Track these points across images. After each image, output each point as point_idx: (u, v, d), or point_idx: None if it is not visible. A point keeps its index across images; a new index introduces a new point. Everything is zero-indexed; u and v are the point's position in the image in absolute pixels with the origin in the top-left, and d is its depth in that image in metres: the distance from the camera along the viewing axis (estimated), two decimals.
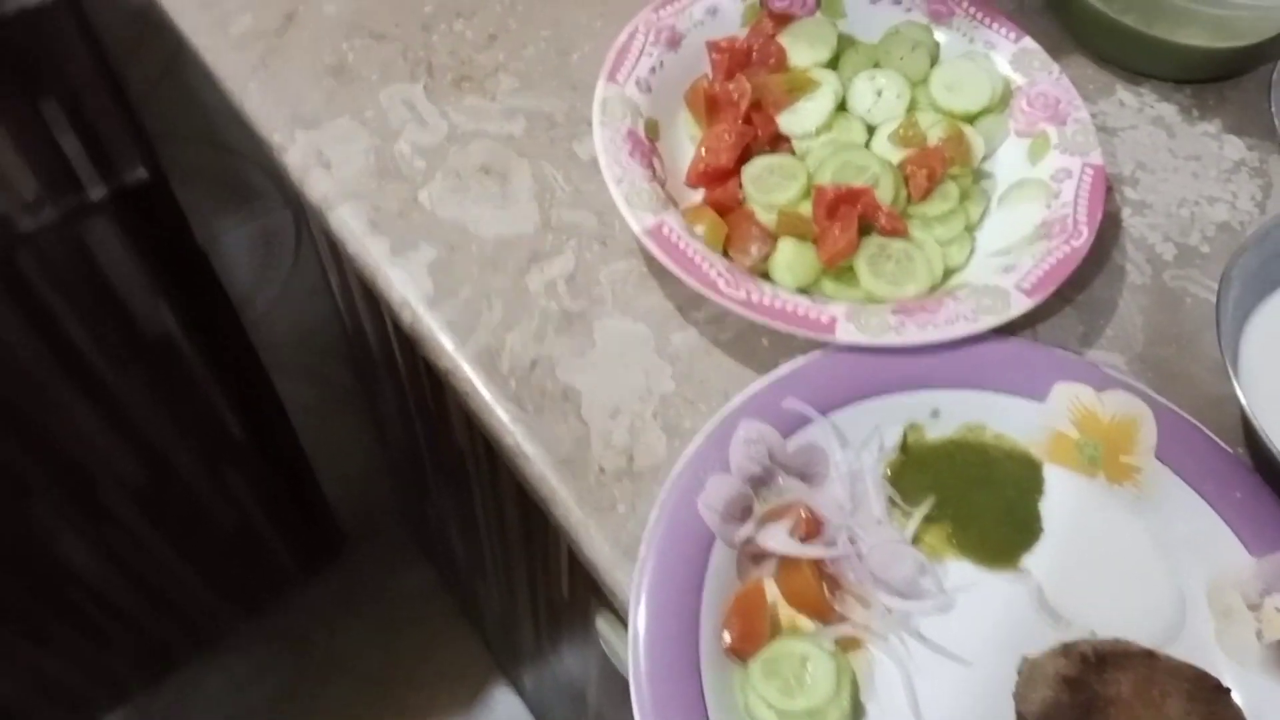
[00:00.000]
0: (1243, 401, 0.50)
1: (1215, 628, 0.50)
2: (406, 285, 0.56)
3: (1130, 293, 0.60)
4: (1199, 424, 0.52)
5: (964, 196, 0.59)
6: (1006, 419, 0.53)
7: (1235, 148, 0.67)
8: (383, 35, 0.66)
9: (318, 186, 0.59)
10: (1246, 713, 0.47)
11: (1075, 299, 0.59)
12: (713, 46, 0.63)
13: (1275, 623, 0.48)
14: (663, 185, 0.57)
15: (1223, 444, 0.52)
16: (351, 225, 0.58)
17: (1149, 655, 0.48)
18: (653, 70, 0.61)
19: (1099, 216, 0.57)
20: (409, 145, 0.61)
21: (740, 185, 0.58)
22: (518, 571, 0.92)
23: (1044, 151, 0.60)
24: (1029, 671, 0.47)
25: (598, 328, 0.56)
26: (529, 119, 0.63)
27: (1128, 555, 0.51)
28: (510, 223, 0.59)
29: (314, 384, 1.13)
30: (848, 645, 0.48)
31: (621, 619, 0.51)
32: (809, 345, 0.54)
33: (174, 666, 1.33)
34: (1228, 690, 0.47)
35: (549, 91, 0.64)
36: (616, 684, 0.74)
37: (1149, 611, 0.51)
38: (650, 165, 0.58)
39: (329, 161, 0.60)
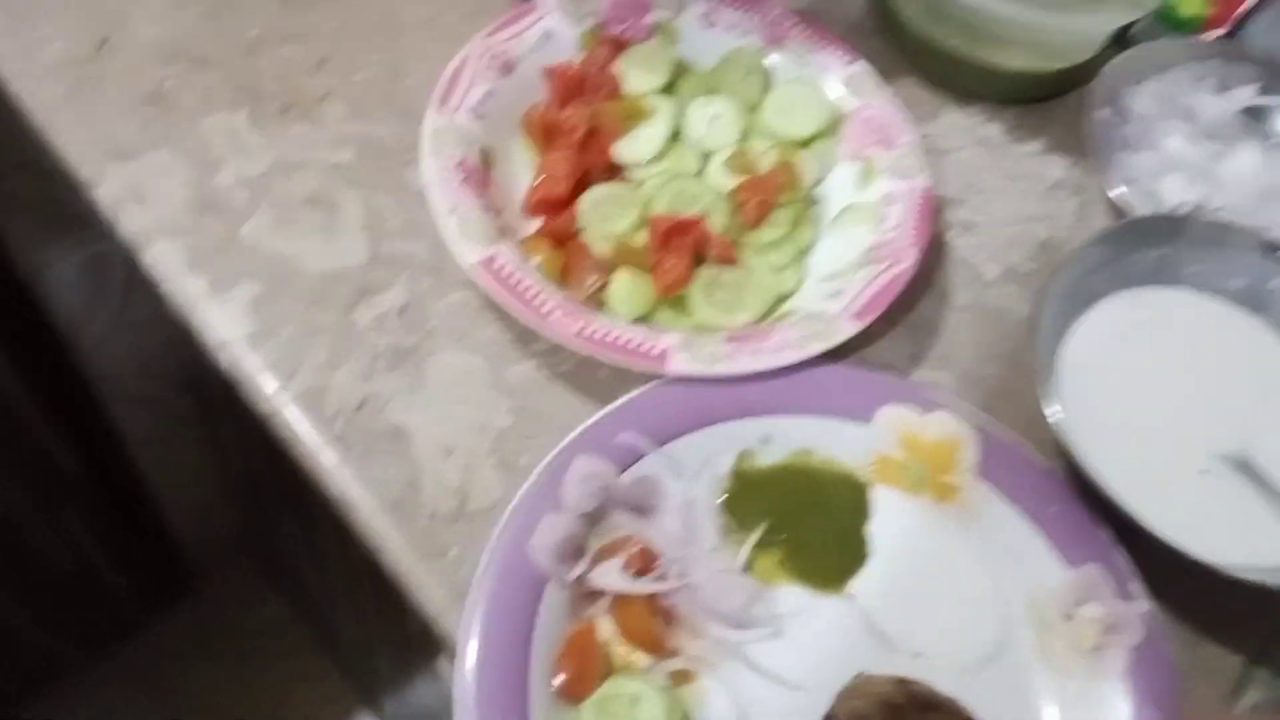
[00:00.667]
0: (1051, 417, 0.52)
1: (1036, 640, 0.52)
2: (225, 324, 0.54)
3: (956, 313, 0.62)
4: (1017, 442, 0.54)
5: (796, 222, 0.60)
6: (834, 443, 0.54)
7: (1056, 167, 0.70)
8: (204, 61, 0.63)
9: (132, 222, 0.57)
10: (1065, 715, 0.49)
11: (904, 320, 0.61)
12: (548, 73, 0.63)
13: (1088, 632, 0.50)
14: (498, 215, 0.56)
15: (1039, 460, 0.54)
16: (167, 262, 0.55)
17: None
18: (486, 97, 0.60)
19: (926, 239, 0.59)
20: (231, 176, 0.59)
21: (576, 215, 0.58)
22: (366, 603, 0.89)
23: (873, 175, 0.62)
24: (860, 684, 0.48)
25: (430, 363, 0.55)
26: (359, 147, 0.61)
27: (953, 573, 0.53)
28: (338, 256, 0.57)
29: (154, 412, 1.08)
30: (681, 678, 0.48)
31: None
32: (647, 375, 0.54)
33: (13, 714, 1.26)
34: None
35: (380, 118, 0.63)
36: None
37: (974, 628, 0.52)
38: (484, 195, 0.57)
39: (144, 195, 0.57)
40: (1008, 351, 0.61)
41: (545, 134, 0.61)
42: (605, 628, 0.49)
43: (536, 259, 0.55)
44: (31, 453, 0.98)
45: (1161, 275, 0.61)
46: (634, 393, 0.52)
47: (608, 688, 0.46)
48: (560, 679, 0.46)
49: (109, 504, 1.11)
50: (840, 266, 0.59)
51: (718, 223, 0.58)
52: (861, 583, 0.52)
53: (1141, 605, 0.51)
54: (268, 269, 0.56)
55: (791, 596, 0.51)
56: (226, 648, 1.36)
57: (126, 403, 1.04)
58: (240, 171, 0.59)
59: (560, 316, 0.52)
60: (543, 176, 0.59)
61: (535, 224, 0.59)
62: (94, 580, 1.18)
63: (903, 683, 0.48)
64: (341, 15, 0.66)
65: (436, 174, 0.56)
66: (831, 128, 0.64)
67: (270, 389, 0.53)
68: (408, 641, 0.84)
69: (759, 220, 0.59)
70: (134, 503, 1.16)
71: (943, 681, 0.49)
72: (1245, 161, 0.67)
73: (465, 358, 0.55)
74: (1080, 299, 0.59)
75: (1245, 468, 0.56)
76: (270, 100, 0.62)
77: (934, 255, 0.64)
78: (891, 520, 0.54)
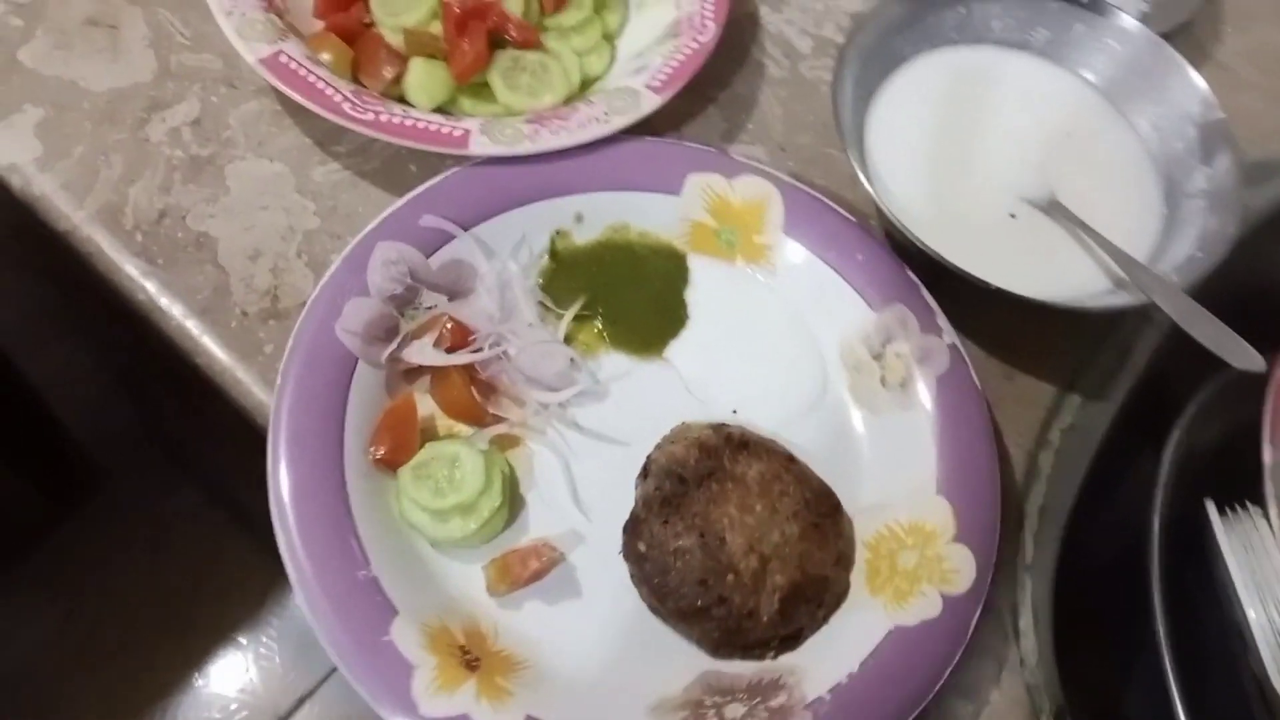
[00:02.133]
0: (857, 170, 0.53)
1: (849, 382, 0.54)
2: (13, 150, 0.52)
3: (770, 87, 0.62)
4: (821, 196, 0.55)
5: (601, 6, 0.59)
6: (647, 216, 0.55)
7: None
8: None
9: None
10: (877, 447, 0.51)
11: (717, 97, 0.61)
12: None
13: (896, 367, 0.53)
14: (282, 15, 0.55)
15: (844, 212, 0.55)
16: None
17: (789, 459, 0.50)
18: None
19: (725, 13, 0.59)
20: (3, 4, 0.56)
21: (367, 9, 0.56)
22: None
23: None
24: (677, 432, 0.50)
25: (230, 171, 0.54)
26: None
27: (768, 331, 0.54)
28: (124, 74, 0.55)
29: (11, 305, 1.05)
30: (507, 444, 0.50)
31: None
32: (455, 166, 0.53)
33: None
34: (839, 508, 0.50)
35: None
36: None
37: (792, 381, 0.54)
38: None
39: None
40: (820, 121, 0.62)
41: None
42: (426, 404, 0.50)
43: (326, 55, 0.54)
44: None
45: (965, 34, 0.62)
46: (435, 179, 0.52)
47: (425, 452, 0.47)
48: (379, 450, 0.47)
49: None
50: (644, 45, 0.58)
51: (515, 6, 0.57)
52: (680, 346, 0.53)
53: (948, 338, 0.53)
54: (50, 93, 0.54)
55: (614, 364, 0.53)
56: (140, 539, 1.35)
57: None
58: None
59: (354, 107, 0.51)
60: None
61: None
62: None
63: (720, 427, 0.50)
64: None
65: None
66: None
67: (66, 208, 0.51)
68: None
69: (562, 4, 0.58)
70: (19, 406, 1.13)
71: (763, 429, 0.51)
72: None
73: (266, 165, 0.54)
74: (886, 61, 0.60)
75: (1054, 207, 0.57)
76: None
77: (748, 31, 0.64)
78: (708, 285, 0.55)
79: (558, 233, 0.54)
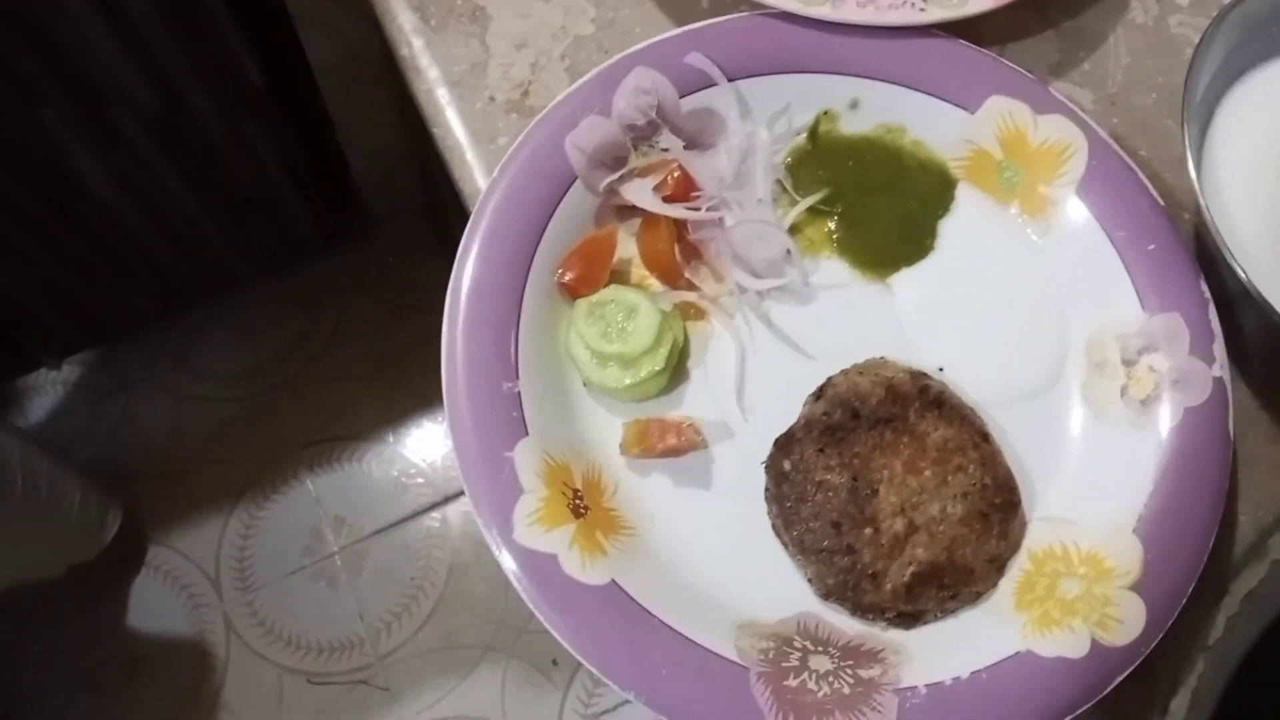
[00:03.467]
0: (1191, 161, 0.44)
1: (1084, 379, 0.47)
2: None
3: (1125, 30, 0.54)
4: (1135, 168, 0.48)
5: None
6: (929, 125, 0.49)
7: None
8: None
9: None
10: (1086, 459, 0.45)
11: (1060, 24, 0.53)
12: None
13: (1145, 381, 0.45)
14: None
15: (1154, 194, 0.47)
16: None
17: (983, 436, 0.45)
18: None
19: None
20: None
21: None
22: None
23: None
24: (870, 364, 0.45)
25: None
26: None
27: (1016, 295, 0.48)
28: None
29: (337, 43, 1.11)
30: (691, 314, 0.47)
31: None
32: (750, 10, 0.49)
33: (188, 306, 1.40)
34: (1016, 506, 0.44)
35: None
36: None
37: (1019, 359, 0.48)
38: None
39: None
40: (1169, 86, 0.53)
41: None
42: (626, 248, 0.47)
43: None
44: (221, 55, 1.03)
45: None
46: (718, 19, 0.48)
47: (607, 293, 0.45)
48: (566, 274, 0.45)
49: (291, 127, 1.17)
50: None
51: None
52: (911, 276, 0.48)
53: (1218, 370, 0.45)
54: None
55: (830, 270, 0.48)
56: (384, 292, 1.45)
57: (311, 25, 1.07)
58: None
59: None
60: None
61: None
62: (274, 202, 1.26)
63: (920, 375, 0.45)
64: None
65: None
66: None
67: None
68: None
69: None
70: (316, 132, 1.22)
71: (966, 397, 0.46)
72: None
73: None
74: (1271, 41, 0.50)
75: None
76: None
77: None
78: (968, 221, 0.49)
79: (825, 113, 0.49)
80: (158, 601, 1.30)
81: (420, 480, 1.37)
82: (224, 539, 1.33)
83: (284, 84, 1.15)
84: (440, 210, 1.37)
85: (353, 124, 1.26)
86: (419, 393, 1.42)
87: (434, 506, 1.36)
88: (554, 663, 1.25)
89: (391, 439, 1.39)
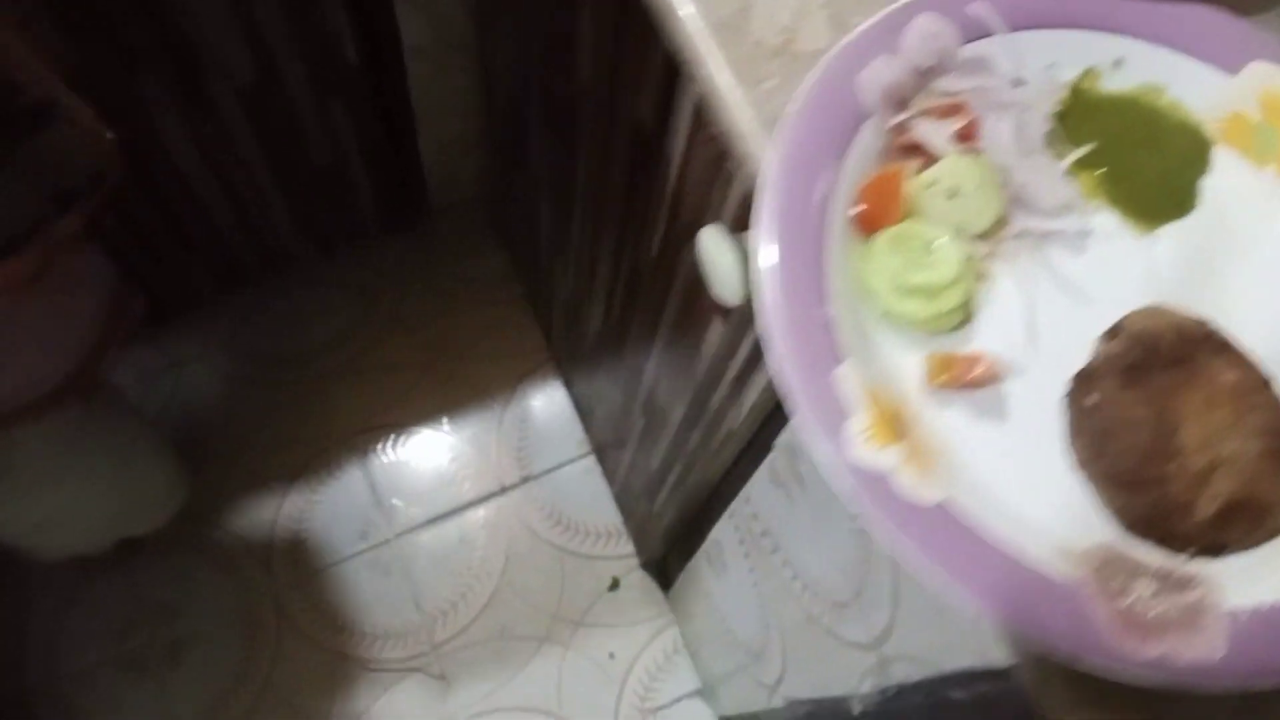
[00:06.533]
0: None
1: None
2: None
3: None
4: None
5: None
6: (1189, 86, 0.50)
7: None
8: None
9: None
10: None
11: None
12: None
13: None
14: None
15: None
16: None
17: (1265, 381, 0.45)
18: None
19: None
20: None
21: None
22: (605, 237, 0.92)
23: None
24: (1152, 310, 0.46)
25: None
26: None
27: (1273, 256, 0.50)
28: None
29: (430, 21, 1.10)
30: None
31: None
32: None
33: (243, 286, 1.37)
34: None
35: None
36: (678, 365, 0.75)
37: (1275, 319, 0.49)
38: None
39: None
40: None
41: None
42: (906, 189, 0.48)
43: None
44: (322, 30, 1.03)
45: None
46: None
47: (908, 226, 0.45)
48: (859, 208, 0.46)
49: (375, 108, 1.16)
50: None
51: None
52: (1174, 232, 0.49)
53: None
54: None
55: (1102, 220, 0.49)
56: (443, 282, 1.44)
57: (408, 6, 1.07)
58: None
59: None
60: None
61: None
62: (344, 184, 1.25)
63: (1204, 322, 0.46)
64: None
65: None
66: None
67: None
68: (636, 283, 0.86)
69: None
70: (396, 116, 1.21)
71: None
72: None
73: None
74: None
75: None
76: None
77: None
78: (1227, 182, 0.50)
79: (1087, 72, 0.51)
80: (206, 582, 1.27)
81: (474, 470, 1.35)
82: (278, 522, 1.30)
83: (375, 65, 1.15)
84: (500, 204, 1.37)
85: (430, 110, 1.26)
86: (473, 383, 1.41)
87: (490, 497, 1.34)
88: (610, 656, 1.24)
89: (446, 428, 1.38)
